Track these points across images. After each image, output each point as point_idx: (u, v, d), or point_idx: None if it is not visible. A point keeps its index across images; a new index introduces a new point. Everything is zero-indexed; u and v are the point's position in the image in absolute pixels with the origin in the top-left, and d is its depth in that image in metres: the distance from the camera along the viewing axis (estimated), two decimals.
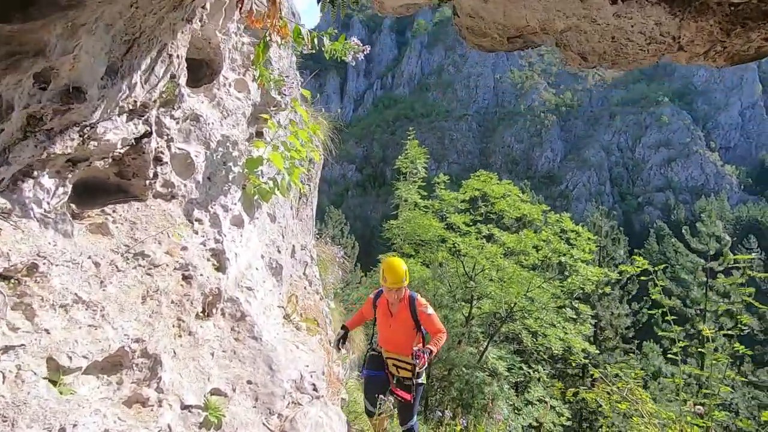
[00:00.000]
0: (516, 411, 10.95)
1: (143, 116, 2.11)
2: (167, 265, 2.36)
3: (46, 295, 1.77)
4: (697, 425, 3.55)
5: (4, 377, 1.46)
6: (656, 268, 3.66)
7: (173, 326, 2.31)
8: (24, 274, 1.71)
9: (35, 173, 1.77)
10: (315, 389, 2.63)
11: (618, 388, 4.56)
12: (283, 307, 3.29)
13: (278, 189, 3.15)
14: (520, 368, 11.92)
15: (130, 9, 1.60)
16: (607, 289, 13.84)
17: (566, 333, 10.82)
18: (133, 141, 2.18)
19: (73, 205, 2.12)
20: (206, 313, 2.61)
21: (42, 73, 1.38)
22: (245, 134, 3.18)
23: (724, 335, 14.97)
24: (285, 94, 3.03)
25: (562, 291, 11.68)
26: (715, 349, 4.30)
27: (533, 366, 12.23)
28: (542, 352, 12.36)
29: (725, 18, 0.86)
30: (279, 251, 3.45)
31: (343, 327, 4.38)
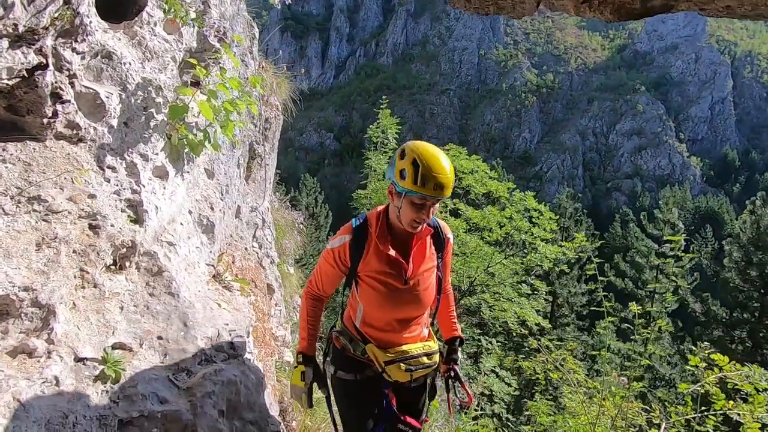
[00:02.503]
0: (471, 380, 11.40)
1: (33, 45, 1.90)
2: (69, 213, 2.21)
3: None
4: (617, 395, 3.72)
5: None
6: (591, 246, 3.71)
7: (74, 277, 2.18)
8: None
9: None
10: (233, 348, 2.57)
11: (552, 358, 4.74)
12: (212, 265, 3.18)
13: (209, 142, 2.99)
14: (478, 340, 12.34)
15: None
16: (565, 268, 14.31)
17: (521, 308, 11.19)
18: (24, 73, 1.97)
19: None
20: (119, 266, 2.48)
21: None
22: (175, 81, 2.97)
23: (668, 315, 15.88)
24: (207, 36, 2.82)
25: (521, 267, 12.00)
26: (645, 326, 4.50)
27: (490, 339, 12.68)
28: (498, 325, 12.81)
29: None
30: (212, 208, 3.31)
31: (303, 358, 2.19)
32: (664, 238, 15.19)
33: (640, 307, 3.95)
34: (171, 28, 2.89)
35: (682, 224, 15.80)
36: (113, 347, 2.17)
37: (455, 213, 11.73)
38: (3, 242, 1.93)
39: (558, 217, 14.20)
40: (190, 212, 3.07)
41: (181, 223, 2.92)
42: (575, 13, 0.95)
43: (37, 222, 2.08)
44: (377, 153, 13.17)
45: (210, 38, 3.21)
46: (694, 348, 3.66)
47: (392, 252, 1.95)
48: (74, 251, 2.20)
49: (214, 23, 3.25)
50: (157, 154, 2.74)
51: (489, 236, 11.88)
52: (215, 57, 3.19)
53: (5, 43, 1.78)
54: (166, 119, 2.77)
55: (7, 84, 1.94)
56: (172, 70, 2.91)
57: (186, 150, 3.00)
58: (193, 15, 2.76)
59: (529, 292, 12.04)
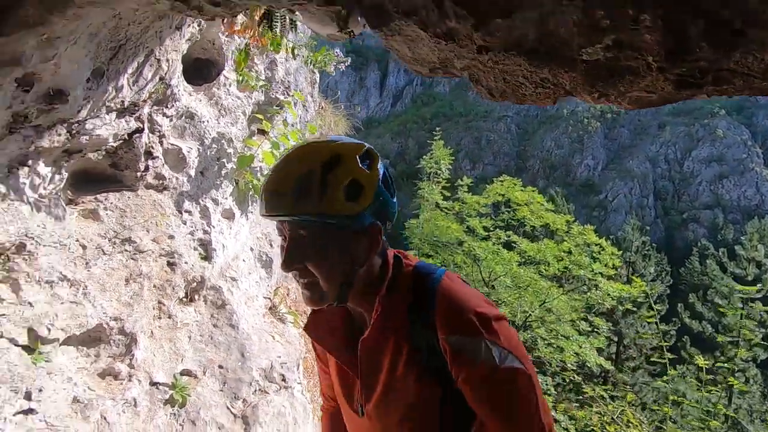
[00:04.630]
0: None
1: (134, 114, 2.29)
2: (152, 252, 2.56)
3: (32, 271, 1.98)
4: None
5: None
6: (652, 291, 3.55)
7: (153, 308, 2.50)
8: (13, 252, 1.93)
9: (30, 162, 1.98)
10: (284, 379, 2.76)
11: (610, 410, 4.48)
12: (269, 298, 3.45)
13: None
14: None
15: (114, 20, 1.76)
16: (630, 306, 13.30)
17: (580, 347, 10.55)
18: (125, 136, 2.37)
19: (69, 192, 2.34)
20: (189, 299, 2.80)
21: (24, 78, 1.56)
22: (245, 132, 3.34)
23: (758, 365, 14.07)
24: (273, 92, 3.16)
25: (581, 304, 11.39)
26: (746, 381, 4.14)
27: (545, 378, 12.01)
28: (556, 364, 12.11)
29: (587, 72, 0.90)
30: (271, 245, 3.61)
31: None
32: (748, 277, 13.70)
33: (708, 361, 3.66)
34: (243, 86, 3.29)
35: None
36: (181, 373, 2.45)
37: (509, 246, 11.47)
38: (101, 278, 2.28)
39: (622, 251, 13.37)
40: (251, 249, 3.38)
41: (243, 260, 3.22)
42: (595, 103, 1.04)
43: (127, 260, 2.44)
44: (429, 183, 13.35)
45: (275, 94, 3.59)
46: None
47: (341, 352, 1.01)
48: (154, 285, 2.53)
49: (280, 80, 3.64)
50: (226, 198, 3.08)
51: (545, 270, 11.46)
52: (279, 110, 3.56)
53: (114, 114, 2.17)
54: (235, 167, 3.12)
55: (113, 146, 2.34)
56: (242, 123, 3.29)
57: (251, 193, 3.34)
58: (262, 82, 3.11)
59: (589, 329, 11.34)
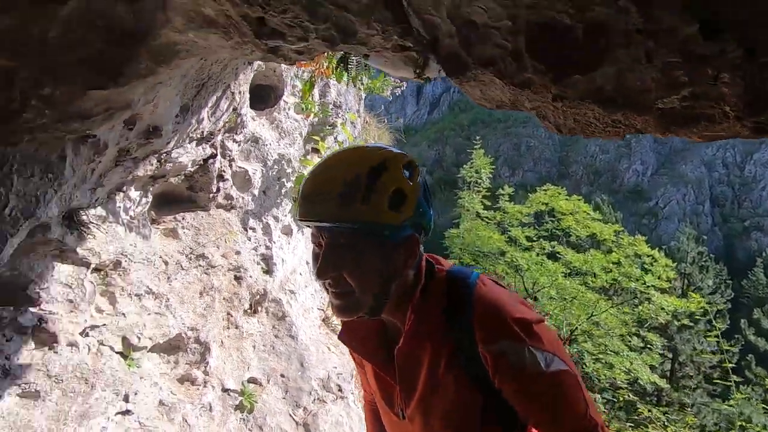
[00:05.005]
0: None
1: (210, 141, 2.51)
2: (222, 267, 2.77)
3: (125, 285, 2.22)
4: None
5: (89, 349, 1.89)
6: (711, 305, 3.39)
7: (223, 319, 2.70)
8: (110, 268, 2.17)
9: (124, 188, 2.23)
10: (340, 390, 2.89)
11: None
12: (323, 310, 3.60)
13: None
14: None
15: (200, 62, 1.97)
16: (687, 321, 12.53)
17: (631, 363, 10.06)
18: (201, 162, 2.60)
19: (152, 213, 2.59)
20: (253, 310, 2.99)
21: (130, 119, 1.78)
22: (301, 152, 3.54)
23: None
24: (335, 118, 3.33)
25: (632, 318, 10.88)
26: None
27: (594, 395, 11.52)
28: (605, 380, 11.60)
29: (661, 116, 0.95)
30: None
31: None
32: None
33: None
34: (300, 109, 3.49)
35: None
36: (248, 381, 2.62)
37: (553, 256, 11.17)
38: (179, 291, 2.50)
39: (676, 263, 12.66)
40: (307, 263, 3.55)
41: (300, 273, 3.40)
42: (663, 137, 1.09)
43: (201, 275, 2.66)
44: (470, 192, 13.26)
45: (330, 116, 3.77)
46: None
47: (377, 359, 0.99)
48: (224, 298, 2.74)
49: (332, 101, 3.82)
50: (285, 215, 3.28)
51: (592, 282, 11.05)
52: (331, 130, 3.74)
53: (194, 143, 2.39)
54: (293, 185, 3.31)
55: (190, 170, 2.58)
56: (299, 143, 3.48)
57: None
58: (317, 105, 3.29)
59: (641, 345, 10.80)
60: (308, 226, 0.89)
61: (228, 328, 2.74)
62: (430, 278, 0.93)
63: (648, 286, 10.13)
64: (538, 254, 10.97)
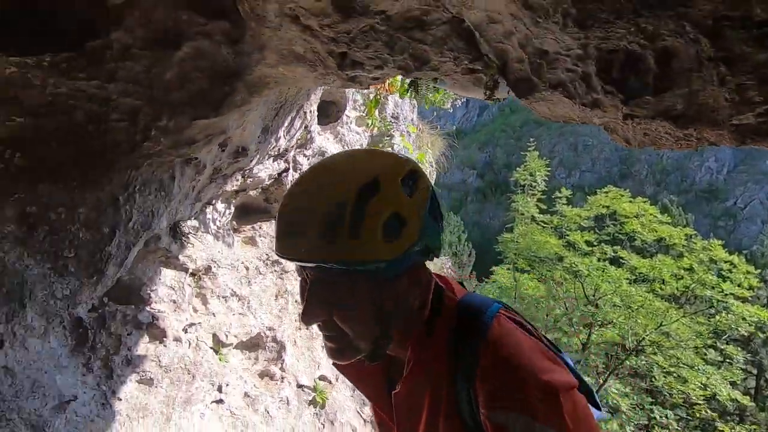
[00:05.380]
0: None
1: (284, 157, 2.75)
2: (293, 272, 2.99)
3: (214, 288, 2.49)
4: None
5: (189, 344, 2.16)
6: None
7: (295, 320, 2.92)
8: (203, 273, 2.44)
9: (213, 201, 2.51)
10: None
11: None
12: None
13: None
14: (650, 410, 10.60)
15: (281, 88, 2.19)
16: None
17: (708, 378, 9.30)
18: (276, 175, 2.84)
19: (234, 223, 2.87)
20: None
21: (223, 141, 2.03)
22: None
23: None
24: (395, 131, 3.48)
25: (707, 329, 10.07)
26: None
27: (665, 411, 10.74)
28: (677, 395, 10.79)
29: (736, 131, 0.99)
30: None
31: None
32: None
33: None
34: (361, 122, 3.68)
35: None
36: (319, 378, 2.82)
37: (616, 262, 10.61)
38: (258, 294, 2.75)
39: (760, 269, 11.52)
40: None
41: None
42: (738, 147, 1.11)
43: (276, 279, 2.90)
44: (524, 196, 12.93)
45: (388, 128, 3.93)
46: None
47: (374, 395, 0.89)
48: (296, 301, 2.95)
49: (390, 112, 3.98)
50: None
51: (661, 289, 10.36)
52: (389, 141, 3.89)
53: (271, 159, 2.63)
54: None
55: (267, 184, 2.83)
56: None
57: None
58: (377, 118, 3.46)
59: (719, 359, 9.95)
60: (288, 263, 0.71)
61: (300, 328, 2.95)
62: (439, 308, 0.76)
63: (726, 295, 9.33)
64: (599, 259, 10.48)
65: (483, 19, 1.16)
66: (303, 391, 2.67)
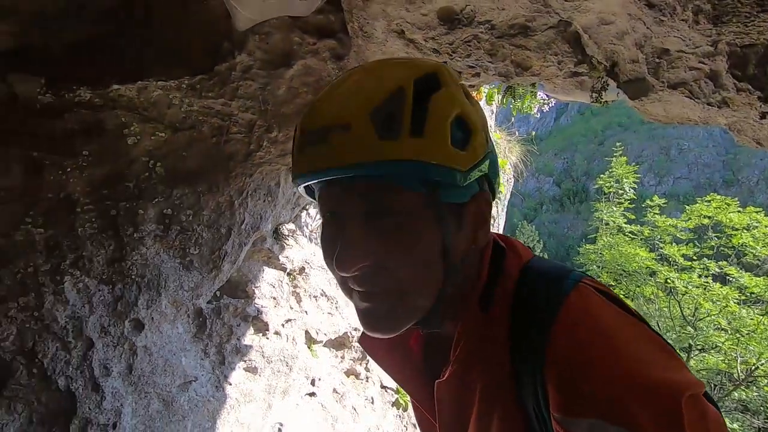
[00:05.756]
0: None
1: None
2: None
3: (307, 288, 2.66)
4: None
5: (287, 338, 2.33)
6: None
7: None
8: (297, 273, 2.62)
9: (306, 206, 2.69)
10: None
11: None
12: None
13: None
14: None
15: None
16: None
17: None
18: None
19: None
20: None
21: None
22: None
23: None
24: None
25: None
26: None
27: None
28: None
29: None
30: None
31: None
32: None
33: None
34: None
35: None
36: None
37: (721, 279, 9.42)
38: (343, 295, 2.88)
39: None
40: None
41: None
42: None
43: None
44: (609, 204, 12.03)
45: None
46: None
47: (410, 385, 0.70)
48: None
49: None
50: None
51: None
52: None
53: None
54: None
55: None
56: None
57: None
58: None
59: None
60: (314, 185, 0.55)
61: None
62: (498, 274, 0.57)
63: None
64: (699, 276, 9.41)
65: (594, 22, 1.14)
66: (386, 392, 2.73)
